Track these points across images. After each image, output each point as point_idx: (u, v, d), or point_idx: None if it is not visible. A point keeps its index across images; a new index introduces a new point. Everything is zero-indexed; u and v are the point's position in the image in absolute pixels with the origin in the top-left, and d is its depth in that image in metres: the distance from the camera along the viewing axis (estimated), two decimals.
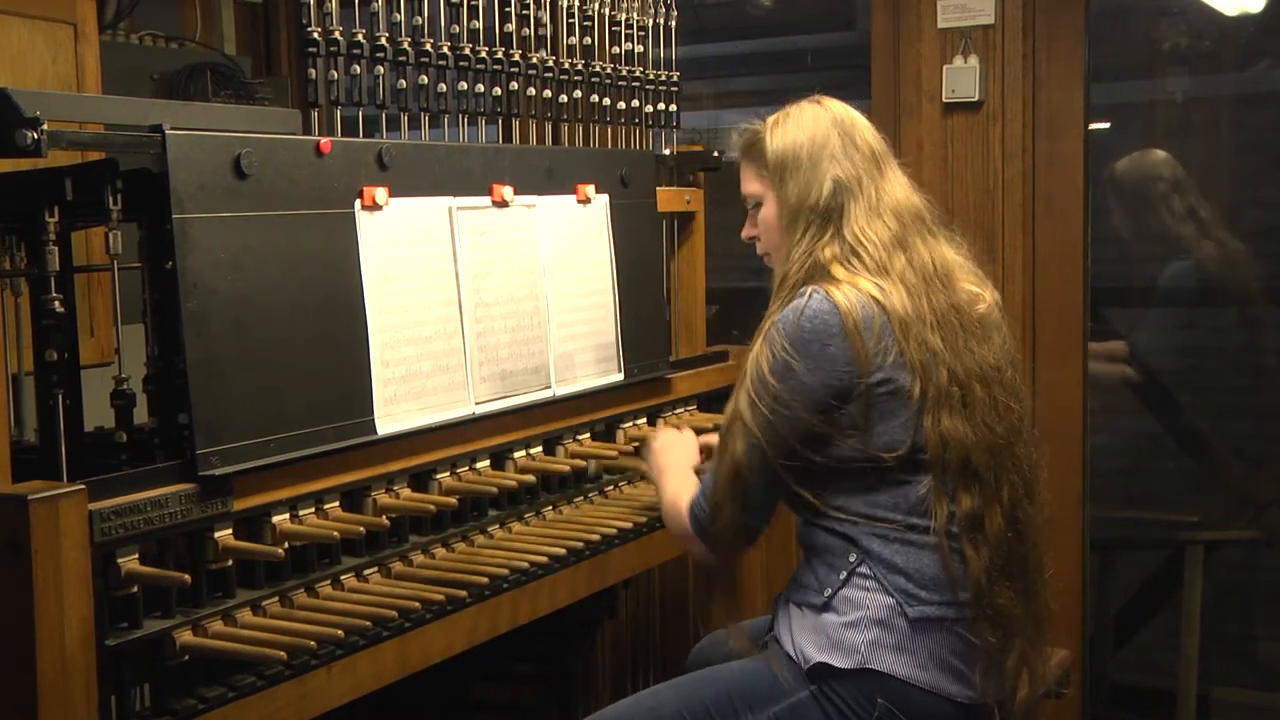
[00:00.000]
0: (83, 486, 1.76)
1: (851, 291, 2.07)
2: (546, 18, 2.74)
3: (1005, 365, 2.16)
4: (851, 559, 2.08)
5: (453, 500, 2.29)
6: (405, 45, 2.41)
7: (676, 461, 2.44)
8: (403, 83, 2.41)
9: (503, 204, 2.53)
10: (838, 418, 2.06)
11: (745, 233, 2.33)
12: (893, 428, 2.06)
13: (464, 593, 2.18)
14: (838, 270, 2.11)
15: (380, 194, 2.24)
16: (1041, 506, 2.18)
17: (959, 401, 2.06)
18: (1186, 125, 4.25)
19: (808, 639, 2.08)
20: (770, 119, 2.26)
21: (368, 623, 2.00)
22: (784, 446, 2.07)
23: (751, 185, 2.29)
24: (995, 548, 2.07)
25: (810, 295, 2.08)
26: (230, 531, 1.97)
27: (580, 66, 2.83)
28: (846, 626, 2.05)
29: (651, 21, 3.06)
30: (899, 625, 2.03)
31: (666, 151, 3.14)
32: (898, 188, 2.20)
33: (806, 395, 2.05)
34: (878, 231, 2.13)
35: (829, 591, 2.08)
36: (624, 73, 2.96)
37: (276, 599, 2.03)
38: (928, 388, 2.05)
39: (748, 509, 2.14)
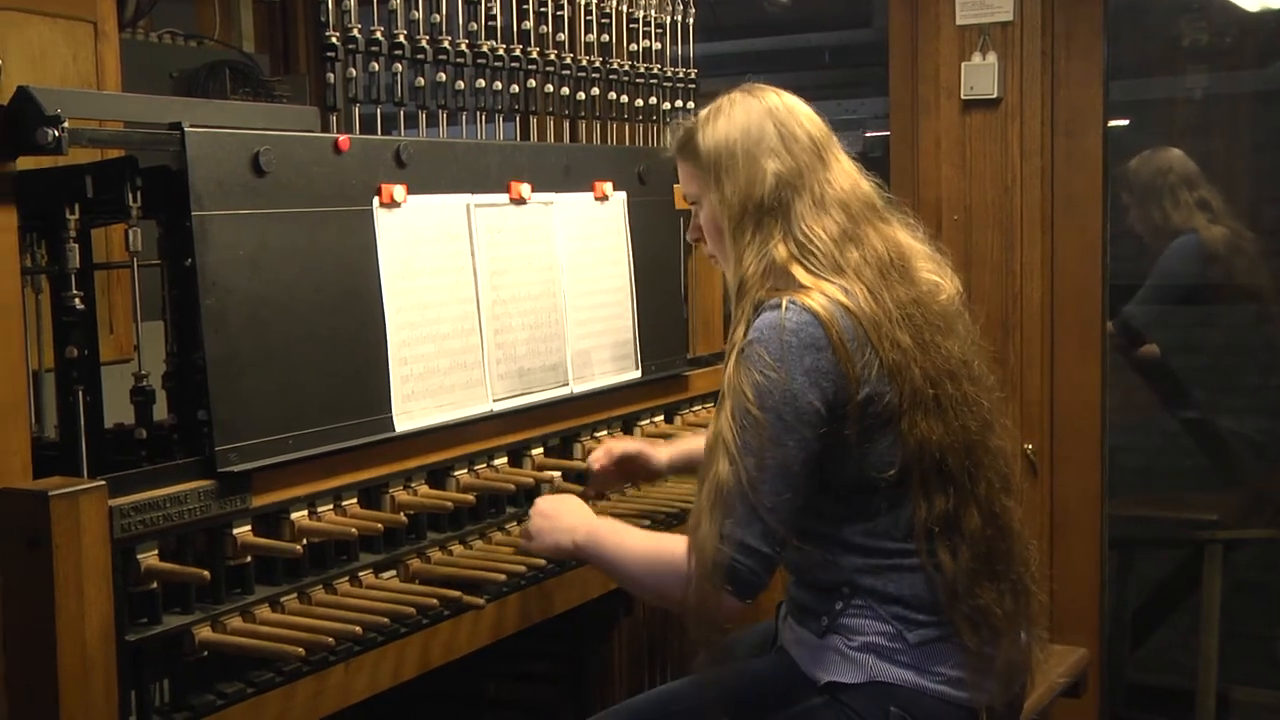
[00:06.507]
0: (103, 483, 1.77)
1: (823, 299, 1.94)
2: (565, 16, 2.74)
3: (972, 356, 2.06)
4: (845, 591, 2.02)
5: (470, 497, 2.29)
6: (423, 43, 2.41)
7: (616, 528, 2.16)
8: (420, 80, 2.42)
9: (520, 201, 2.53)
10: (830, 436, 1.93)
11: (690, 235, 2.22)
12: (884, 446, 1.96)
13: (482, 596, 2.18)
14: (800, 273, 1.98)
15: (398, 191, 2.24)
16: (1019, 497, 2.09)
17: (932, 402, 1.96)
18: (1206, 122, 4.24)
19: (814, 660, 2.03)
20: (703, 113, 2.12)
21: (386, 619, 2.01)
22: (782, 476, 1.91)
23: (689, 185, 2.15)
24: (974, 546, 1.99)
25: (786, 307, 1.93)
26: (249, 528, 1.98)
27: (598, 64, 2.83)
28: (850, 649, 2.00)
29: (669, 19, 3.05)
30: (901, 647, 1.99)
31: None
32: (843, 177, 2.06)
33: (801, 416, 1.90)
34: (826, 227, 2.00)
35: (826, 621, 2.03)
36: (641, 70, 2.96)
37: (295, 595, 2.03)
38: (904, 389, 1.94)
39: (767, 538, 1.93)
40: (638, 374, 2.81)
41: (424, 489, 2.27)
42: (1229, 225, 3.94)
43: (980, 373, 2.07)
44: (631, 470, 2.56)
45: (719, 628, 1.98)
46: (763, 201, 2.02)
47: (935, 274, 2.09)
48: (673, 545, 2.03)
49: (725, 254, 2.09)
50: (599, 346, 2.71)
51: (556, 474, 2.48)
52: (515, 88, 2.61)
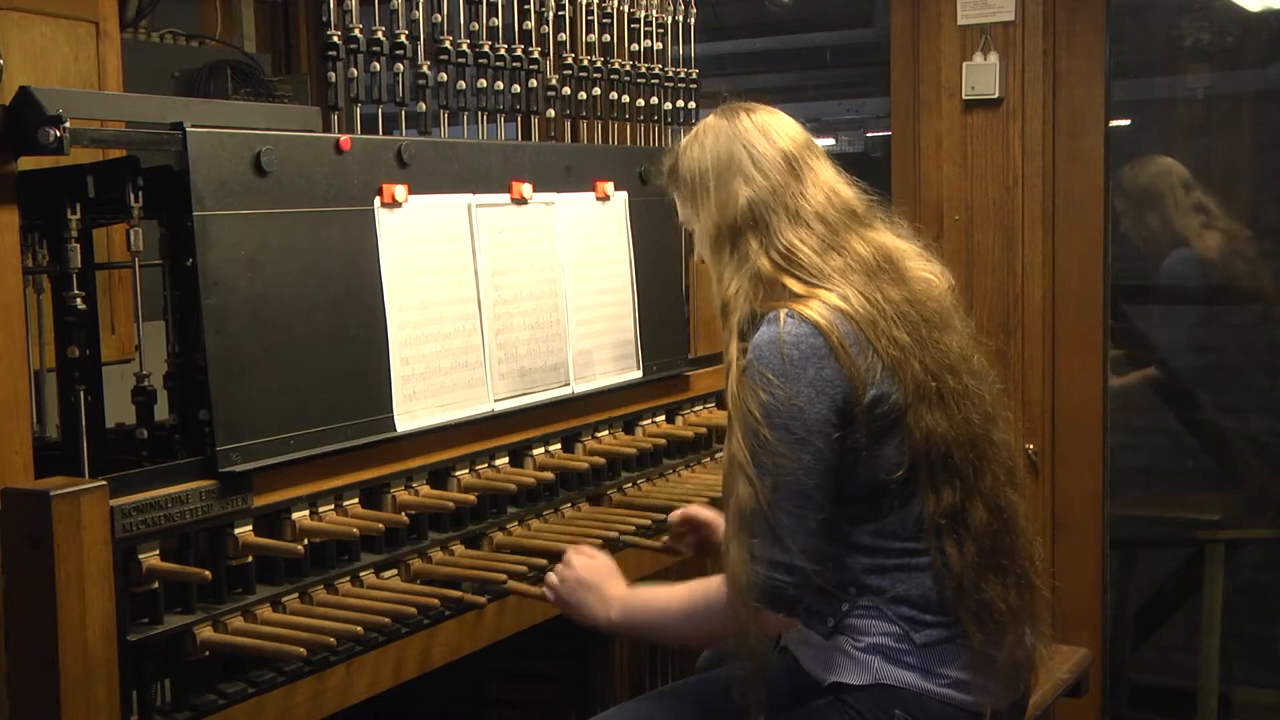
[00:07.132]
0: (104, 483, 1.77)
1: (820, 306, 1.96)
2: (566, 16, 2.74)
3: (970, 350, 2.07)
4: (852, 591, 2.02)
5: (472, 497, 2.29)
6: (424, 43, 2.41)
7: (644, 595, 2.17)
8: (422, 80, 2.42)
9: (522, 201, 2.53)
10: (842, 442, 1.94)
11: (695, 258, 2.25)
12: (891, 449, 1.97)
13: (484, 596, 2.18)
14: (793, 284, 2.01)
15: (400, 191, 2.24)
16: (1024, 490, 2.10)
17: (935, 395, 1.98)
18: (1207, 122, 4.23)
19: (819, 661, 2.04)
20: (683, 140, 2.19)
21: (387, 619, 2.01)
22: (800, 492, 1.92)
23: (680, 210, 2.22)
24: (979, 540, 1.99)
25: (783, 319, 1.95)
26: (250, 528, 1.98)
27: (599, 64, 2.83)
28: (856, 649, 2.00)
29: (670, 19, 3.05)
30: (908, 648, 1.99)
31: None
32: (818, 191, 2.08)
33: (811, 428, 1.92)
34: (804, 239, 2.04)
35: (832, 621, 2.03)
36: (643, 70, 2.96)
37: (296, 595, 2.03)
38: (907, 384, 1.96)
39: (807, 554, 1.93)
40: (639, 374, 2.81)
41: (425, 489, 2.28)
42: (1224, 228, 3.94)
43: (980, 366, 2.08)
44: (701, 534, 2.52)
45: (761, 641, 1.99)
46: (735, 223, 2.07)
47: (927, 270, 2.11)
48: (706, 588, 2.04)
49: (712, 274, 2.14)
50: (600, 346, 2.72)
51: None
52: (516, 87, 2.61)
